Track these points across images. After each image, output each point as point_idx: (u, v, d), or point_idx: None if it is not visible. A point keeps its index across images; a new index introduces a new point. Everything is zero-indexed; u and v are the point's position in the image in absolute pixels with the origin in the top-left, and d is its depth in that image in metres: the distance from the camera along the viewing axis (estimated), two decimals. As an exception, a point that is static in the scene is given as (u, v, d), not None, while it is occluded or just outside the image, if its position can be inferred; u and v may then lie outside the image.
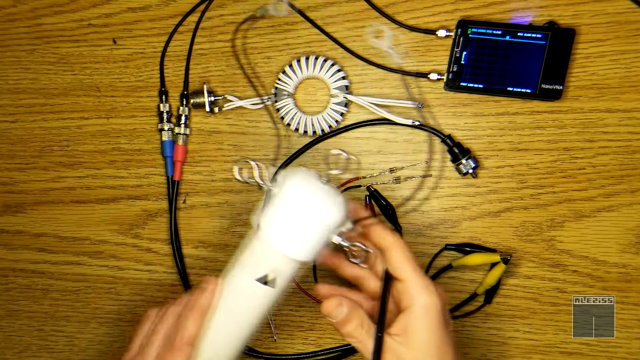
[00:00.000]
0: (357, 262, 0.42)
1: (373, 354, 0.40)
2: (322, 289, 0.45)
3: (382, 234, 0.43)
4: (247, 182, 0.42)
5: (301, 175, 0.41)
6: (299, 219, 0.40)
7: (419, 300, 0.40)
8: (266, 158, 0.57)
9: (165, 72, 0.57)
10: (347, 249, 0.42)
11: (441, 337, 0.40)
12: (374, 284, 0.45)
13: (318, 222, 0.40)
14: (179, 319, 0.44)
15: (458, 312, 0.56)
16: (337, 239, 0.41)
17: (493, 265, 0.53)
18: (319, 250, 0.41)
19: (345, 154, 0.43)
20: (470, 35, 0.52)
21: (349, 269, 0.46)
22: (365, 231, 0.43)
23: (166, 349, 0.43)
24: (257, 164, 0.42)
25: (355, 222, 0.42)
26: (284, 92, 0.55)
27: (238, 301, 0.43)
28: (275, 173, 0.42)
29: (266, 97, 0.56)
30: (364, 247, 0.42)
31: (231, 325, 0.43)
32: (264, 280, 0.42)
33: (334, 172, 0.41)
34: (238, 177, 0.43)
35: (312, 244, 0.41)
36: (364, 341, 0.41)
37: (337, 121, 0.55)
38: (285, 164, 0.56)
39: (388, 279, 0.42)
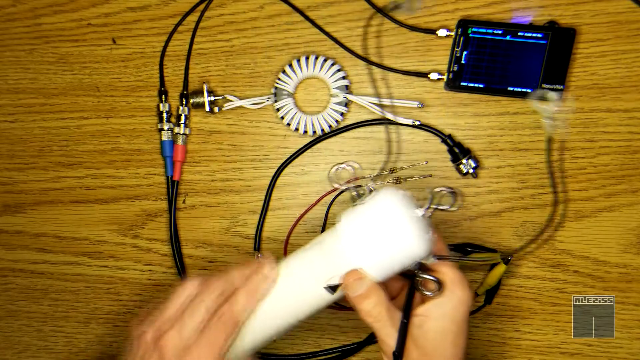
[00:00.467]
0: (428, 293, 0.41)
1: (398, 340, 0.40)
2: None
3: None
4: (340, 186, 0.42)
5: (398, 199, 0.39)
6: (385, 243, 0.39)
7: (453, 292, 0.40)
8: (266, 158, 0.57)
9: (165, 71, 0.57)
10: (419, 279, 0.41)
11: (461, 331, 0.40)
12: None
13: (404, 253, 0.39)
14: (233, 295, 0.42)
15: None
16: (415, 269, 0.40)
17: (493, 265, 0.53)
18: (392, 275, 0.41)
19: (448, 190, 0.42)
20: (470, 35, 0.52)
21: None
22: None
23: (212, 320, 0.41)
24: (354, 171, 0.41)
25: (439, 258, 0.41)
26: (284, 92, 0.55)
27: (295, 297, 0.42)
28: (370, 190, 0.41)
29: (266, 97, 0.55)
30: (436, 280, 0.41)
31: (278, 318, 0.42)
32: (333, 289, 0.41)
33: (443, 207, 0.42)
34: (335, 181, 0.42)
35: (390, 271, 0.40)
36: (382, 321, 0.41)
37: (337, 121, 0.55)
38: (285, 164, 0.56)
39: (421, 268, 0.41)
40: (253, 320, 0.42)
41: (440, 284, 0.40)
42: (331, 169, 0.41)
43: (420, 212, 0.40)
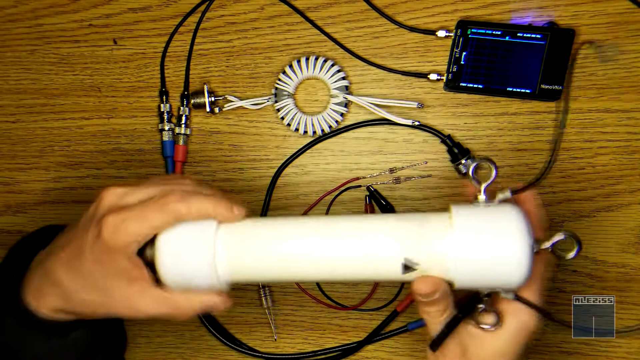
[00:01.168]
0: (484, 326, 0.39)
1: (441, 330, 0.38)
2: None
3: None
4: (474, 180, 0.37)
5: (525, 222, 0.35)
6: (493, 263, 0.35)
7: (517, 316, 0.38)
8: (266, 158, 0.57)
9: (166, 72, 0.58)
10: (481, 307, 0.39)
11: (517, 356, 0.39)
12: None
13: (500, 276, 0.35)
14: (193, 194, 0.40)
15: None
16: (484, 295, 0.38)
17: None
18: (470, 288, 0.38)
19: (569, 234, 0.37)
20: (469, 36, 0.52)
21: None
22: None
23: (158, 198, 0.39)
24: (496, 172, 0.37)
25: (517, 298, 0.38)
26: (284, 92, 0.55)
27: (362, 254, 0.37)
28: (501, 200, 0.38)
29: (266, 98, 0.56)
30: (496, 313, 0.38)
31: (319, 266, 0.38)
32: (407, 269, 0.37)
33: (569, 256, 0.36)
34: (471, 174, 0.38)
35: (473, 284, 0.37)
36: (437, 319, 0.39)
37: (337, 121, 0.55)
38: (285, 164, 0.56)
39: (489, 296, 0.39)
40: (285, 256, 0.39)
41: (498, 321, 0.38)
42: (472, 165, 0.38)
43: (539, 246, 0.36)
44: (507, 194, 0.37)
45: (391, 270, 0.37)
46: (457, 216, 0.36)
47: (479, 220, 0.36)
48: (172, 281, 0.40)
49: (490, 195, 0.38)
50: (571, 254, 0.36)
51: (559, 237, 0.36)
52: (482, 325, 0.39)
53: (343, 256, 0.38)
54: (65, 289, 0.41)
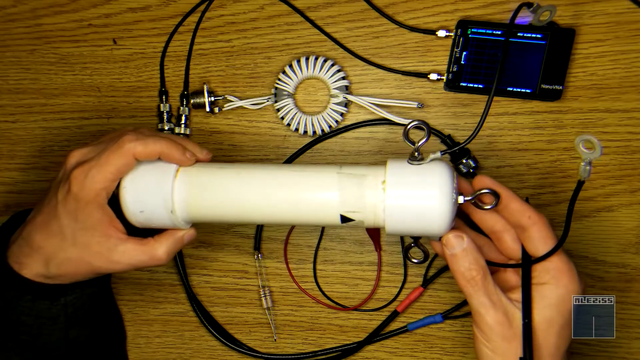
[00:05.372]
0: (413, 260, 0.43)
1: (523, 345, 0.38)
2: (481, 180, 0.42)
3: (522, 210, 0.41)
4: (407, 141, 0.41)
5: (450, 180, 0.40)
6: (419, 213, 0.39)
7: (560, 284, 0.39)
8: (266, 158, 0.57)
9: (166, 72, 0.58)
10: (413, 247, 0.44)
11: (567, 323, 0.39)
12: (510, 242, 0.43)
13: (429, 228, 0.40)
14: (150, 136, 0.43)
15: (458, 312, 0.56)
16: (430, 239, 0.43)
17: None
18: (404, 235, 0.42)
19: (495, 195, 0.42)
20: (470, 36, 0.52)
21: (485, 219, 0.44)
22: (499, 207, 0.42)
23: (113, 144, 0.42)
24: (428, 135, 0.41)
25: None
26: (284, 92, 0.55)
27: (304, 204, 0.42)
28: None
29: (266, 98, 0.56)
30: (424, 251, 0.42)
31: (269, 207, 0.42)
32: (346, 221, 0.41)
33: (487, 207, 0.42)
34: (405, 135, 0.41)
35: (404, 234, 0.42)
36: (476, 286, 0.40)
37: (337, 121, 0.55)
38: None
39: (527, 260, 0.40)
40: (237, 197, 0.42)
41: (426, 258, 0.43)
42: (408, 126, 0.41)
43: (462, 199, 0.40)
44: (438, 154, 0.41)
45: (332, 220, 0.42)
46: (391, 171, 0.40)
47: (409, 174, 0.40)
48: (136, 220, 0.43)
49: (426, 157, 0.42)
50: (489, 206, 0.42)
51: (480, 191, 0.41)
52: (484, 207, 0.42)
53: (289, 206, 0.42)
54: (44, 251, 0.42)
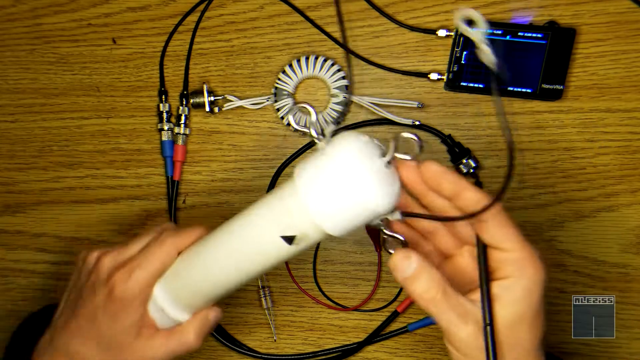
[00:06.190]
0: (389, 251, 0.37)
1: (485, 349, 0.35)
2: (397, 225, 0.39)
3: (476, 198, 0.35)
4: (299, 130, 0.38)
5: (359, 146, 0.34)
6: (344, 194, 0.34)
7: (524, 275, 0.35)
8: (266, 158, 0.57)
9: (165, 71, 0.57)
10: (385, 237, 0.37)
11: (537, 314, 0.36)
12: (446, 240, 0.40)
13: (363, 207, 0.34)
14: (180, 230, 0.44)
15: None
16: (378, 224, 0.36)
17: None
18: (355, 230, 0.37)
19: (417, 140, 0.36)
20: (470, 35, 0.52)
21: (435, 204, 0.38)
22: (452, 198, 0.37)
23: (151, 244, 0.43)
24: (314, 111, 0.37)
25: (406, 215, 0.36)
26: (284, 92, 0.55)
27: (250, 245, 0.39)
28: (334, 134, 0.36)
29: (266, 97, 0.56)
30: (402, 239, 0.36)
31: (230, 266, 0.41)
32: (290, 241, 0.37)
33: (402, 156, 0.35)
34: (293, 124, 0.39)
35: (351, 225, 0.36)
36: (438, 305, 0.36)
37: (337, 121, 0.55)
38: (285, 164, 0.56)
39: (484, 251, 0.36)
40: (200, 265, 0.42)
41: (405, 244, 0.36)
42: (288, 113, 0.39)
43: (381, 161, 0.35)
44: (331, 127, 0.36)
45: (282, 250, 0.38)
46: (298, 171, 0.36)
47: (313, 160, 0.36)
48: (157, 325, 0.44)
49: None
50: (413, 154, 0.36)
51: (396, 141, 0.35)
52: (385, 247, 0.37)
53: (243, 258, 0.40)
54: (81, 356, 0.42)
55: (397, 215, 0.36)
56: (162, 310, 0.43)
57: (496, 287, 0.36)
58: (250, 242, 0.39)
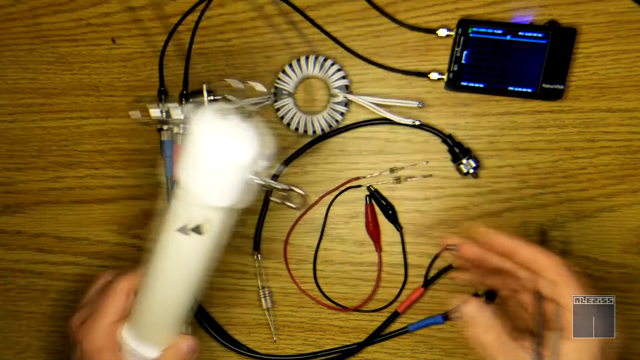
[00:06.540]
0: (294, 206, 0.40)
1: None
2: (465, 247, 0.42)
3: (532, 257, 0.39)
4: (148, 124, 0.40)
5: (207, 115, 0.38)
6: (208, 161, 0.37)
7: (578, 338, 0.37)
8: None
9: (165, 71, 0.57)
10: (283, 195, 0.40)
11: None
12: (512, 280, 0.42)
13: (229, 163, 0.37)
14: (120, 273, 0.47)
15: (458, 312, 0.55)
16: (256, 180, 0.38)
17: (494, 265, 0.53)
18: (240, 194, 0.39)
19: (241, 84, 0.39)
20: (470, 35, 0.52)
21: (490, 280, 0.43)
22: (508, 250, 0.40)
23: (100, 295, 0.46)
24: (159, 103, 0.39)
25: (269, 158, 0.39)
26: (284, 92, 0.55)
27: (177, 257, 0.41)
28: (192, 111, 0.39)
29: (266, 97, 0.55)
30: (301, 192, 0.39)
31: (173, 284, 0.42)
32: (199, 231, 0.40)
33: (230, 97, 0.39)
34: (138, 118, 0.40)
35: (229, 186, 0.38)
36: (495, 353, 0.38)
37: (337, 121, 0.55)
38: (285, 164, 0.56)
39: (541, 304, 0.38)
40: (149, 294, 0.43)
41: (304, 197, 0.39)
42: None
43: (229, 119, 0.38)
44: (176, 104, 0.40)
45: (200, 243, 0.40)
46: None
47: (185, 149, 0.38)
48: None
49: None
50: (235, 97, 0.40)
51: (225, 84, 0.39)
52: (290, 205, 0.40)
53: (180, 271, 0.42)
54: None
55: (263, 163, 0.38)
56: (133, 352, 0.44)
57: (555, 341, 0.38)
58: (175, 253, 0.41)
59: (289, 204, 0.39)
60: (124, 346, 0.45)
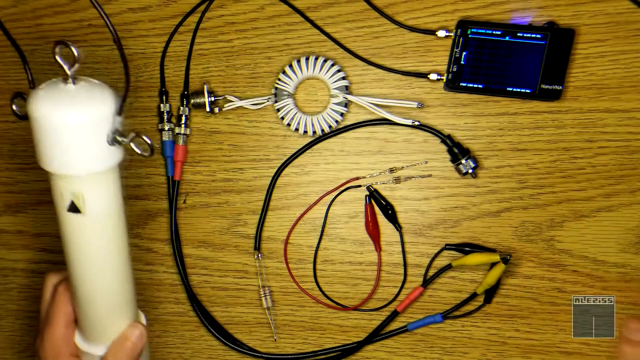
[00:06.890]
0: (145, 154, 0.37)
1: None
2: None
3: None
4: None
5: (43, 89, 0.38)
6: (52, 133, 0.36)
7: None
8: (266, 158, 0.57)
9: (166, 72, 0.58)
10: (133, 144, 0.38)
11: None
12: None
13: (71, 128, 0.36)
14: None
15: (458, 312, 0.56)
16: (110, 139, 0.37)
17: (493, 265, 0.53)
18: (102, 155, 0.37)
19: (75, 50, 0.38)
20: (470, 36, 0.52)
21: None
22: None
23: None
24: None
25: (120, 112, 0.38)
26: (284, 92, 0.55)
27: (78, 244, 0.40)
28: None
29: (266, 98, 0.56)
30: (147, 142, 0.37)
31: (86, 272, 0.41)
32: (75, 209, 0.39)
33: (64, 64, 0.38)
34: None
35: (80, 152, 0.37)
36: None
37: (337, 121, 0.55)
38: (285, 164, 0.56)
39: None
40: (80, 294, 0.42)
41: (152, 148, 0.37)
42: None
43: (63, 84, 0.38)
44: (60, 82, 0.39)
45: (82, 223, 0.39)
46: None
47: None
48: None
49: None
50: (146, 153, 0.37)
51: (56, 51, 0.37)
52: (142, 153, 0.38)
53: (87, 258, 0.40)
54: None
55: (118, 120, 0.37)
56: (86, 354, 0.43)
57: None
58: (75, 242, 0.40)
59: (137, 149, 0.37)
60: (81, 350, 0.44)
